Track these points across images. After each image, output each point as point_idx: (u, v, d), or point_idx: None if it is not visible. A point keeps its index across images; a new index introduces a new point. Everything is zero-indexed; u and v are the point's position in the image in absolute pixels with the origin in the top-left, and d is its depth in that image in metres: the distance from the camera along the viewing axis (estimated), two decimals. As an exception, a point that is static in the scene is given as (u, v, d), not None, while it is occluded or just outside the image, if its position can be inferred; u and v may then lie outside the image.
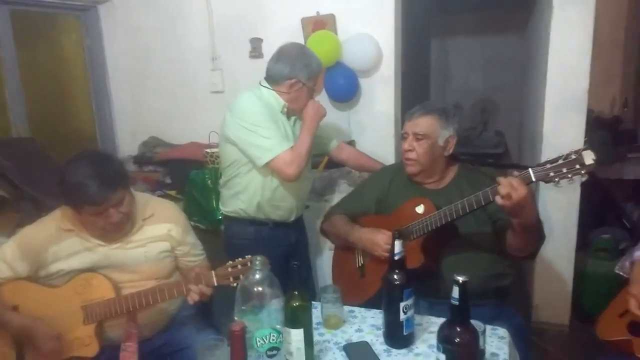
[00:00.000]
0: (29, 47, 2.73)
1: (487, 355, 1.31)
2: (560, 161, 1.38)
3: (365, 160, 2.34)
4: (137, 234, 1.72)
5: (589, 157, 1.34)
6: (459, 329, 1.08)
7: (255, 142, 1.92)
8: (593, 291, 2.64)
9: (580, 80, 2.39)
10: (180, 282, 1.67)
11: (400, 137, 1.85)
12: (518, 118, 3.92)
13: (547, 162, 1.40)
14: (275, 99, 2.02)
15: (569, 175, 1.36)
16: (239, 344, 0.89)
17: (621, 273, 1.68)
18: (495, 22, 4.26)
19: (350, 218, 1.93)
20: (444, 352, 1.09)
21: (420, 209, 1.72)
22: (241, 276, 1.59)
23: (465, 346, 1.08)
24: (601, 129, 3.36)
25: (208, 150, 2.74)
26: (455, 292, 1.09)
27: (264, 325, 1.22)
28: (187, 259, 1.82)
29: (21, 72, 2.67)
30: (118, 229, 1.66)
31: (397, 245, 1.36)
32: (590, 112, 3.37)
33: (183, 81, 3.08)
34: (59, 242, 1.66)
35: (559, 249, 2.57)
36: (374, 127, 2.69)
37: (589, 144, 1.38)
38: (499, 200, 1.41)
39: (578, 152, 1.36)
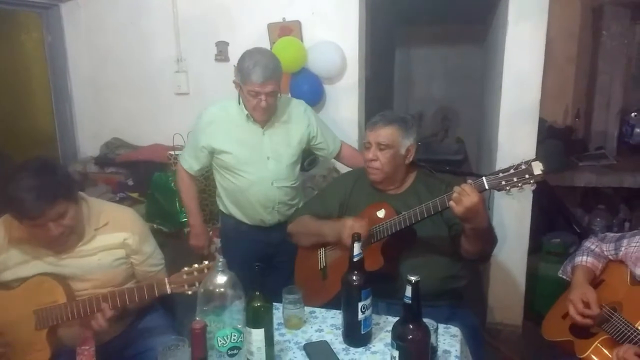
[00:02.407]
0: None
1: (439, 352, 1.38)
2: (512, 171, 1.47)
3: (359, 161, 2.36)
4: (89, 244, 1.68)
5: (537, 168, 1.44)
6: (411, 327, 1.14)
7: None
8: (544, 293, 2.78)
9: (532, 93, 2.52)
10: (132, 289, 1.63)
11: (362, 145, 1.89)
12: (477, 126, 4.07)
13: (499, 171, 1.50)
14: (239, 108, 2.06)
15: (519, 184, 1.46)
16: (200, 342, 0.92)
17: (564, 277, 1.78)
18: (456, 34, 4.41)
19: None
20: (397, 348, 1.14)
21: (381, 214, 1.79)
22: (197, 283, 1.58)
23: (417, 342, 1.13)
24: (554, 138, 3.52)
25: (172, 152, 2.74)
26: (408, 291, 1.15)
27: (225, 325, 1.24)
28: (143, 268, 1.78)
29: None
30: (60, 242, 1.61)
31: (356, 247, 1.41)
32: (543, 121, 3.54)
33: (147, 82, 3.05)
34: (6, 251, 1.62)
35: (512, 252, 2.70)
36: (338, 132, 2.73)
37: (541, 153, 1.47)
38: (452, 206, 1.48)
39: (528, 163, 1.45)
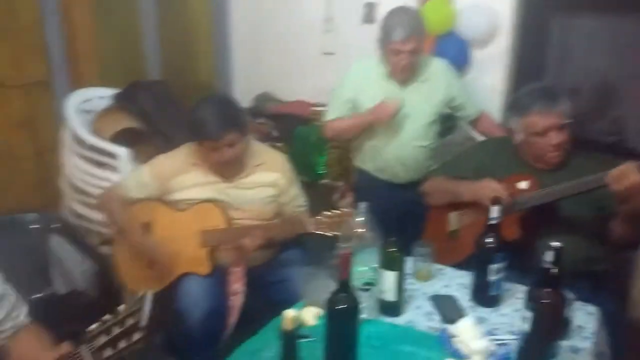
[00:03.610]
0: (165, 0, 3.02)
1: (573, 327, 1.35)
2: None
3: (496, 132, 2.28)
4: (248, 178, 1.92)
5: None
6: (549, 291, 1.13)
7: None
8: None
9: None
10: (280, 222, 1.85)
11: (531, 133, 1.69)
12: (641, 106, 3.62)
13: None
14: (381, 66, 2.11)
15: None
16: (346, 266, 1.04)
17: None
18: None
19: None
20: (531, 309, 1.15)
21: (523, 185, 1.73)
22: (335, 227, 1.73)
23: (552, 307, 1.13)
24: None
25: (315, 108, 2.91)
26: (549, 256, 1.14)
27: (362, 263, 1.36)
28: (289, 208, 1.99)
29: (159, 22, 2.97)
30: (229, 167, 1.87)
31: (495, 211, 1.42)
32: None
33: (297, 41, 3.22)
34: (185, 172, 1.91)
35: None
36: (478, 101, 2.66)
37: None
38: (610, 184, 1.40)
39: None
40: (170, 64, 3.09)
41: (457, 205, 1.92)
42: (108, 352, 0.98)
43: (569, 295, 1.27)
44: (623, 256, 2.69)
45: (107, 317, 0.99)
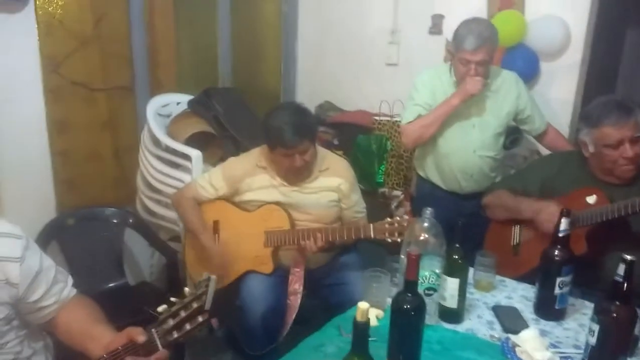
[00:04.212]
0: (239, 10, 3.18)
1: (643, 345, 1.31)
2: None
3: (563, 145, 2.26)
4: (314, 182, 1.99)
5: None
6: (619, 304, 1.11)
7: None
8: None
9: None
10: (342, 227, 1.90)
11: (604, 145, 1.69)
12: None
13: None
14: (449, 73, 2.13)
15: None
16: (414, 267, 1.07)
17: None
18: None
19: None
20: (598, 323, 1.14)
21: (591, 199, 1.71)
22: (396, 234, 1.76)
23: (621, 321, 1.11)
24: None
25: (377, 118, 2.95)
26: (621, 269, 1.12)
27: (425, 268, 1.38)
28: (350, 213, 2.05)
29: (231, 32, 3.13)
30: (299, 173, 1.95)
31: (564, 223, 1.41)
32: None
33: (361, 51, 3.29)
34: (253, 175, 2.00)
35: None
36: (548, 114, 2.61)
37: None
38: None
39: None
40: (241, 71, 3.24)
41: (519, 219, 1.90)
42: (175, 334, 1.03)
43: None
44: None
45: (173, 299, 1.04)
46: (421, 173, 2.39)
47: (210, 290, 1.03)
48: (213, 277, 1.04)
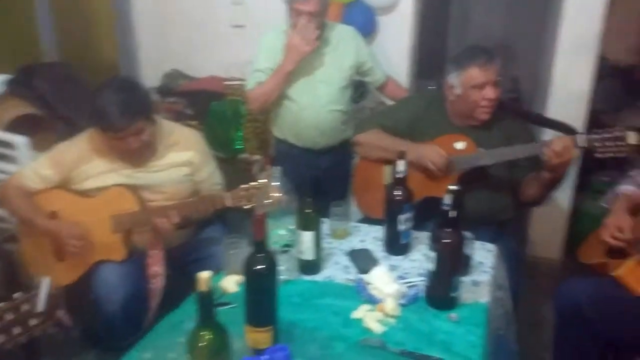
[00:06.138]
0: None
1: (474, 263, 1.49)
2: (606, 135, 1.53)
3: (402, 95, 2.39)
4: (161, 160, 1.86)
5: (633, 138, 1.50)
6: (449, 231, 1.24)
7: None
8: (588, 230, 2.78)
9: (593, 23, 2.42)
10: (197, 200, 1.81)
11: (470, 86, 1.78)
12: (534, 64, 3.93)
13: (594, 132, 1.57)
14: (288, 34, 2.12)
15: (612, 150, 1.53)
16: (260, 227, 1.07)
17: (606, 205, 1.82)
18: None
19: None
20: (434, 250, 1.26)
21: (460, 145, 1.83)
22: (253, 199, 1.74)
23: (452, 245, 1.24)
24: (615, 77, 3.38)
25: (228, 82, 2.87)
26: (448, 199, 1.24)
27: (280, 226, 1.40)
28: (206, 186, 1.96)
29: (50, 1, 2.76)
30: (137, 156, 1.80)
31: (401, 165, 1.51)
32: (605, 59, 3.39)
33: (205, 14, 3.13)
34: (89, 161, 1.81)
35: (558, 190, 2.70)
36: (388, 65, 2.75)
37: (599, 92, 1.47)
38: (550, 156, 1.56)
39: (623, 130, 1.50)
40: (69, 44, 2.89)
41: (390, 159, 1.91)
42: (1, 338, 0.96)
43: (468, 235, 1.39)
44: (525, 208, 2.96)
45: (0, 304, 0.97)
46: (277, 134, 2.39)
47: (43, 292, 0.98)
48: (46, 279, 0.99)
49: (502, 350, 1.48)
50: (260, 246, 1.10)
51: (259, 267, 1.09)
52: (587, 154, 2.68)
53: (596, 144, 1.54)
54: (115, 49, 3.19)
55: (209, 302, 0.89)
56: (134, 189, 1.83)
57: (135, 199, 1.81)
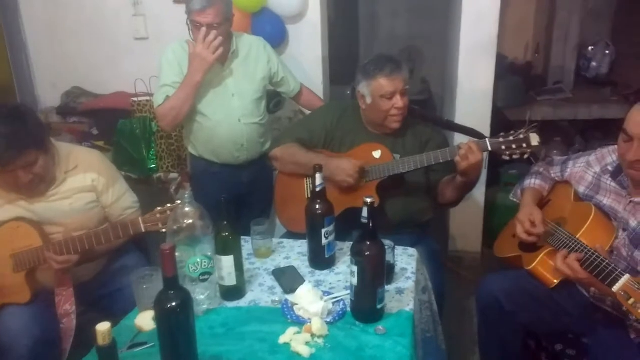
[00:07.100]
0: None
1: (397, 270, 1.49)
2: (511, 138, 1.60)
3: (317, 104, 2.38)
4: (61, 186, 1.71)
5: (534, 139, 1.58)
6: (368, 243, 1.23)
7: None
8: (502, 222, 2.92)
9: (490, 27, 2.57)
10: (107, 228, 1.67)
11: (379, 95, 1.79)
12: (441, 66, 4.11)
13: (501, 135, 1.63)
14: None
15: (517, 152, 1.60)
16: (170, 262, 0.99)
17: (514, 199, 1.91)
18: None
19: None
20: (356, 264, 1.24)
21: (377, 154, 1.83)
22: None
23: (373, 258, 1.23)
24: (515, 74, 3.62)
25: (135, 99, 2.71)
26: (365, 212, 1.23)
27: (196, 254, 1.31)
28: (116, 211, 1.82)
29: None
30: (30, 189, 1.64)
31: (318, 178, 1.49)
32: (504, 58, 3.62)
33: (104, 28, 2.95)
34: None
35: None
36: (302, 73, 2.74)
37: (501, 89, 1.55)
38: (458, 161, 1.60)
39: (526, 132, 1.58)
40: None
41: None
42: None
43: (389, 244, 1.39)
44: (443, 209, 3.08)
45: None
46: (193, 151, 2.28)
47: None
48: None
49: (431, 353, 1.50)
50: (171, 282, 1.02)
51: (171, 304, 1.01)
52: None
53: (502, 147, 1.61)
54: (8, 69, 2.91)
55: (109, 356, 0.80)
56: (34, 222, 1.66)
57: (37, 233, 1.65)
